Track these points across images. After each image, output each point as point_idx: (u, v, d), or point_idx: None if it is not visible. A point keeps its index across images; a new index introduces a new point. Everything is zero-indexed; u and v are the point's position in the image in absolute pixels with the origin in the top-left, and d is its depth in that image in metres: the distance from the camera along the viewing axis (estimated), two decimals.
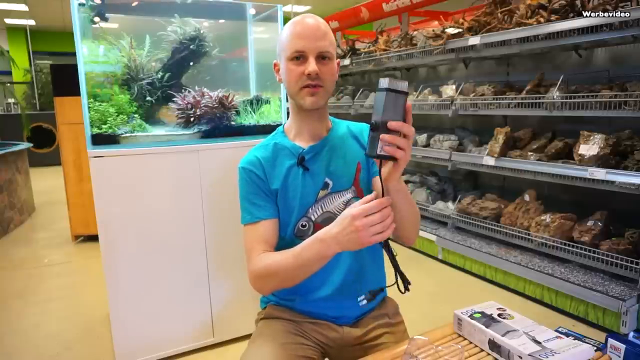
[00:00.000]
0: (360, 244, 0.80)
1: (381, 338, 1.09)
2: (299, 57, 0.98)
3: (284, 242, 1.05)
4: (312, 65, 0.96)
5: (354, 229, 0.79)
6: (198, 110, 1.89)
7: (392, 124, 0.75)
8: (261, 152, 1.08)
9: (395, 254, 0.93)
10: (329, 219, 1.03)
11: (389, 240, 0.92)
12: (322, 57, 0.98)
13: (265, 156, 1.07)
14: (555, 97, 2.36)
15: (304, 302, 1.10)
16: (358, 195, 1.07)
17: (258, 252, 1.01)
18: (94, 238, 3.37)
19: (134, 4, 2.10)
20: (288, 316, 1.11)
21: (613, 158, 2.17)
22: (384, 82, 0.76)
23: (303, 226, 1.05)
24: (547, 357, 0.75)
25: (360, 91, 4.26)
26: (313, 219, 1.05)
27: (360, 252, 1.07)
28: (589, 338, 0.87)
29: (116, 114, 1.82)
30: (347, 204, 1.06)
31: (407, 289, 0.92)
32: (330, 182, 1.06)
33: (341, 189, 1.07)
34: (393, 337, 1.09)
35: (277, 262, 0.94)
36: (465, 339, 0.91)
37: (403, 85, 0.76)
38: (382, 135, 0.75)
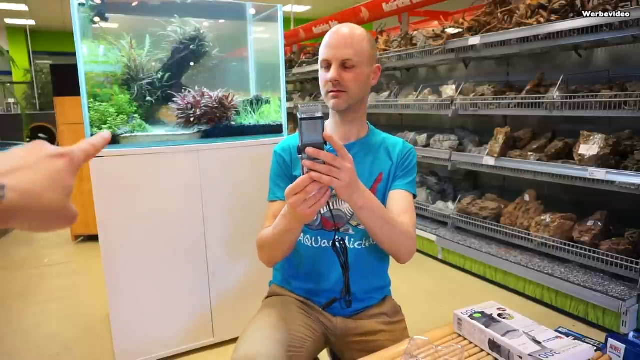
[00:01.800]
0: (303, 216, 0.86)
1: (378, 335, 1.11)
2: (326, 66, 1.07)
3: None
4: (331, 73, 1.05)
5: (290, 207, 0.86)
6: (198, 110, 1.89)
7: (308, 150, 0.81)
8: (294, 141, 1.16)
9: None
10: (338, 216, 1.10)
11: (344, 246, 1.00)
12: (345, 65, 1.05)
13: (296, 145, 1.14)
14: (555, 97, 2.36)
15: (304, 290, 1.17)
16: None
17: (265, 227, 1.10)
18: (94, 238, 3.36)
19: (134, 4, 2.09)
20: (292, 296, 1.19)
21: (613, 158, 2.17)
22: (299, 112, 0.84)
23: None
24: (547, 357, 0.75)
25: None
26: (322, 212, 1.08)
27: (361, 256, 1.12)
28: (589, 338, 0.87)
29: (116, 114, 1.82)
30: None
31: (349, 304, 1.01)
32: None
33: None
34: (390, 335, 1.11)
35: (265, 235, 1.05)
36: (465, 339, 0.91)
37: (314, 110, 0.82)
38: (303, 161, 0.83)
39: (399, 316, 1.19)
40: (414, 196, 1.14)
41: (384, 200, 1.12)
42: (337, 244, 0.99)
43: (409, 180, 1.13)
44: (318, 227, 1.11)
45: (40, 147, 0.43)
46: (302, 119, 0.82)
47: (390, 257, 1.16)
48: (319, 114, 0.82)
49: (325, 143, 0.83)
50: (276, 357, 0.95)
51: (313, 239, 1.12)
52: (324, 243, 1.11)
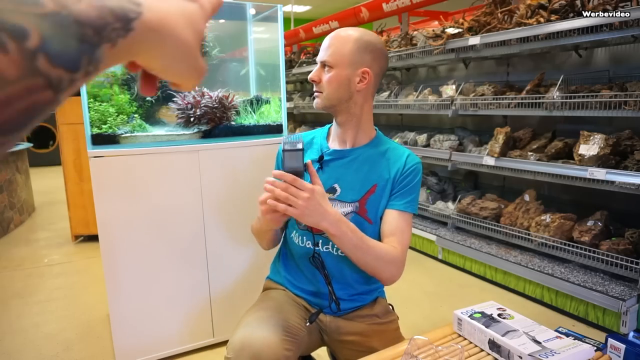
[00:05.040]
0: (272, 221, 0.95)
1: (369, 335, 1.12)
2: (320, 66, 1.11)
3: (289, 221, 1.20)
4: (311, 73, 1.09)
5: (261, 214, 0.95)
6: (198, 110, 1.89)
7: (274, 173, 0.89)
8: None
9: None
10: None
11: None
12: (324, 66, 1.08)
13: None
14: (555, 97, 2.36)
15: (296, 287, 1.19)
16: (359, 213, 1.09)
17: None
18: (94, 238, 3.37)
19: None
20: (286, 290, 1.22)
21: (613, 158, 2.17)
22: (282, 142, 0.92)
23: None
24: (547, 357, 0.75)
25: None
26: None
27: (348, 263, 1.11)
28: (589, 338, 0.87)
29: (116, 114, 1.82)
30: (345, 216, 1.08)
31: (338, 308, 1.08)
32: (338, 190, 1.11)
33: (346, 200, 1.10)
34: (382, 336, 1.12)
35: (254, 226, 1.16)
36: (465, 339, 0.91)
37: (294, 142, 0.89)
38: (264, 186, 0.92)
39: (391, 316, 1.18)
40: (414, 214, 1.10)
41: (375, 211, 1.09)
42: (313, 259, 1.05)
43: (409, 199, 1.08)
44: (304, 228, 1.13)
45: None
46: (283, 150, 0.89)
47: None
48: (300, 146, 0.88)
49: (304, 171, 0.89)
50: (271, 340, 0.97)
51: (300, 237, 1.14)
52: (308, 244, 1.12)
